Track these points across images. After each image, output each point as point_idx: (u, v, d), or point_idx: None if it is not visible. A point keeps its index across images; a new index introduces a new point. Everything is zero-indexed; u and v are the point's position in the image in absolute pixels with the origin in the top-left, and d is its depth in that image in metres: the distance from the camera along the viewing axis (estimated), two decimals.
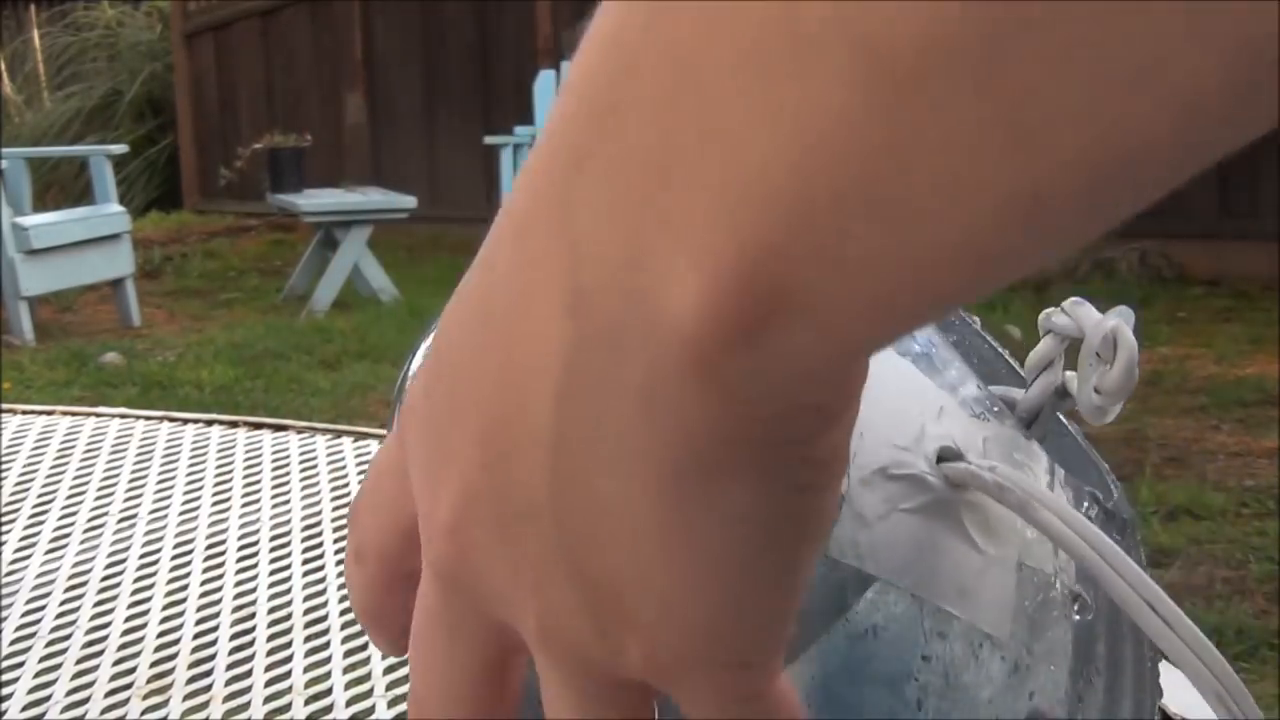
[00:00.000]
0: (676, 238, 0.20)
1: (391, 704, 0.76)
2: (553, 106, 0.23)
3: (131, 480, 1.12)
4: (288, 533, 1.00)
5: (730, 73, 0.19)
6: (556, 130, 0.22)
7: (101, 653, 0.82)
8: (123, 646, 0.83)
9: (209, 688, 0.78)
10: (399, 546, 0.28)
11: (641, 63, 0.20)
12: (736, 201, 0.19)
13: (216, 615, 0.87)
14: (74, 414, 1.29)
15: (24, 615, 0.88)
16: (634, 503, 0.22)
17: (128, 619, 0.87)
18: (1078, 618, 0.38)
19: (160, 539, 1.00)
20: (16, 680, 0.79)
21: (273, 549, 0.97)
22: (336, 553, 0.97)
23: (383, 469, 0.29)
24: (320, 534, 1.00)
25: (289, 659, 0.81)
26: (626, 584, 0.23)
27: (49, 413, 1.30)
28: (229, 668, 0.80)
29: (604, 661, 0.24)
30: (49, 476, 1.13)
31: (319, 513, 1.04)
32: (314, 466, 1.14)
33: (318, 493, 1.08)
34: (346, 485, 1.10)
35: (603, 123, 0.21)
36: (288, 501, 1.07)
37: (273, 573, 0.93)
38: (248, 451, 1.18)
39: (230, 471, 1.14)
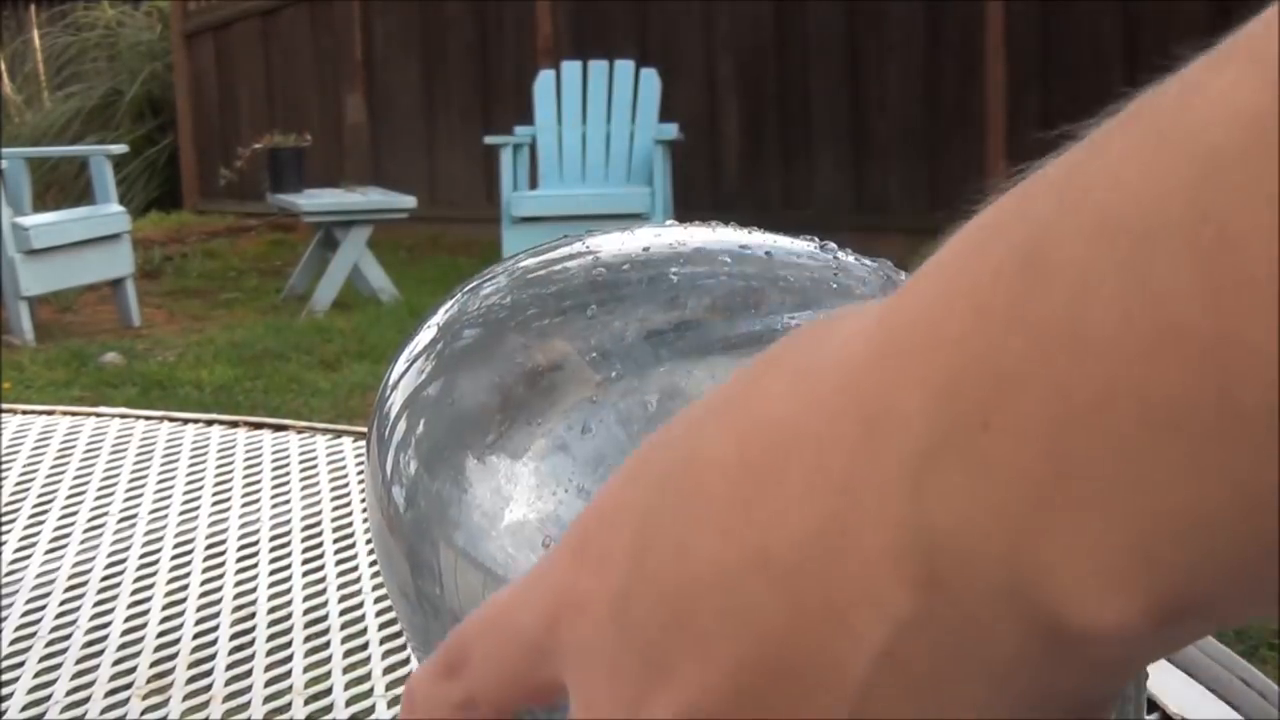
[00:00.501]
0: (1076, 555, 0.21)
1: (391, 704, 0.76)
2: (878, 372, 0.23)
3: (131, 480, 1.12)
4: (288, 533, 1.00)
5: (1136, 420, 0.20)
6: (898, 412, 0.22)
7: (101, 653, 0.83)
8: (123, 646, 0.83)
9: (209, 688, 0.78)
10: (518, 704, 0.28)
11: (1025, 389, 0.21)
12: (1156, 536, 0.20)
13: (216, 615, 0.87)
14: (74, 414, 1.29)
15: (24, 615, 0.88)
16: None
17: (128, 619, 0.87)
18: None
19: (160, 539, 1.00)
20: (16, 680, 0.79)
21: (273, 549, 0.97)
22: (336, 553, 0.97)
23: (508, 624, 0.28)
24: (320, 534, 1.00)
25: (289, 659, 0.81)
26: None
27: (49, 413, 1.30)
28: (229, 668, 0.80)
29: None
30: (49, 476, 1.13)
31: (319, 513, 1.04)
32: (314, 466, 1.14)
33: (318, 493, 1.08)
34: (346, 485, 1.10)
35: (969, 432, 0.21)
36: (288, 501, 1.07)
37: (273, 573, 0.93)
38: (248, 451, 1.18)
39: (230, 471, 1.14)
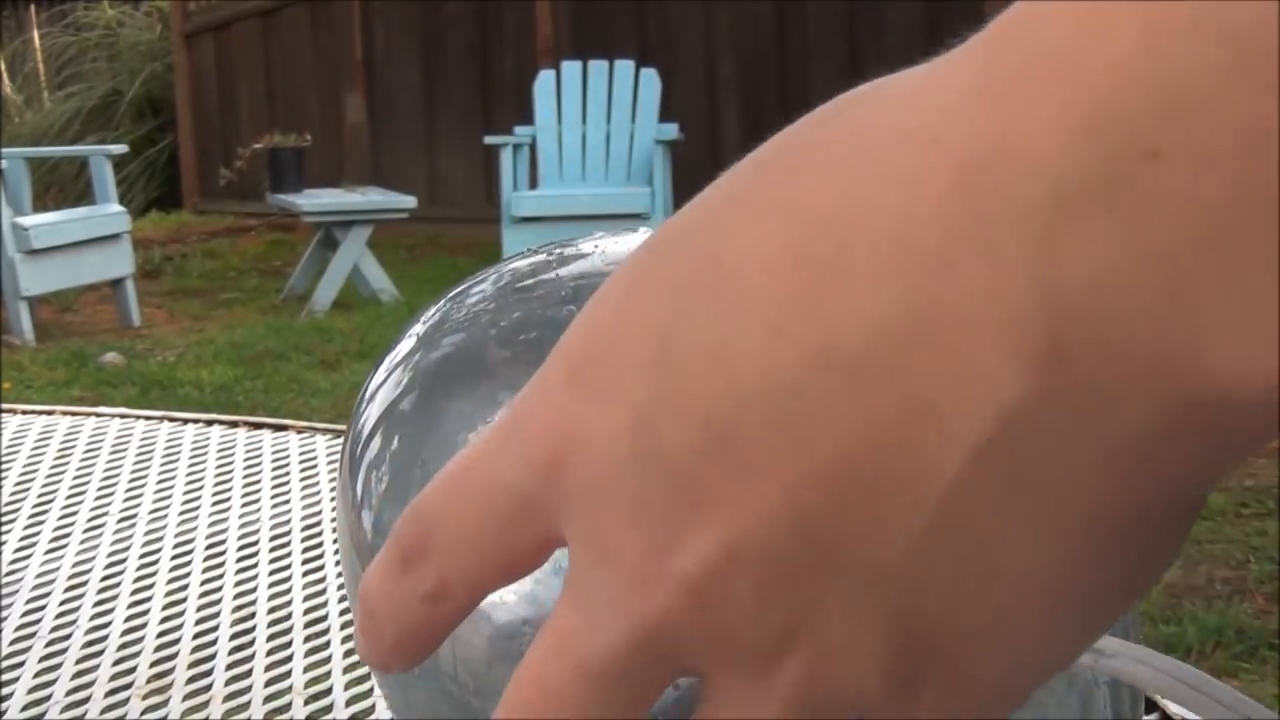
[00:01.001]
0: (1253, 301, 0.18)
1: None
2: (990, 116, 0.19)
3: (131, 480, 1.12)
4: (288, 533, 1.00)
5: None
6: (1023, 155, 0.19)
7: (101, 653, 0.82)
8: (123, 646, 0.83)
9: (209, 688, 0.78)
10: (497, 581, 0.24)
11: (1215, 105, 0.18)
12: None
13: (216, 615, 0.87)
14: (74, 414, 1.29)
15: (24, 615, 0.88)
16: (1043, 554, 0.20)
17: (128, 619, 0.87)
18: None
19: (160, 539, 1.00)
20: (16, 680, 0.79)
21: (273, 549, 0.97)
22: (336, 553, 0.97)
23: (484, 482, 0.23)
24: (320, 534, 1.00)
25: (289, 659, 0.81)
26: (967, 633, 0.21)
27: (49, 413, 1.29)
28: (229, 668, 0.80)
29: (871, 704, 0.22)
30: (49, 476, 1.13)
31: (319, 513, 1.04)
32: (314, 466, 1.14)
33: (318, 493, 1.08)
34: None
35: (1129, 164, 0.18)
36: (288, 501, 1.06)
37: (273, 573, 0.93)
38: (248, 451, 1.18)
39: (230, 471, 1.14)
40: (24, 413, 1.30)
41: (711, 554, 0.21)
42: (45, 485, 1.11)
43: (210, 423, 1.27)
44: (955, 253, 0.19)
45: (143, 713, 0.75)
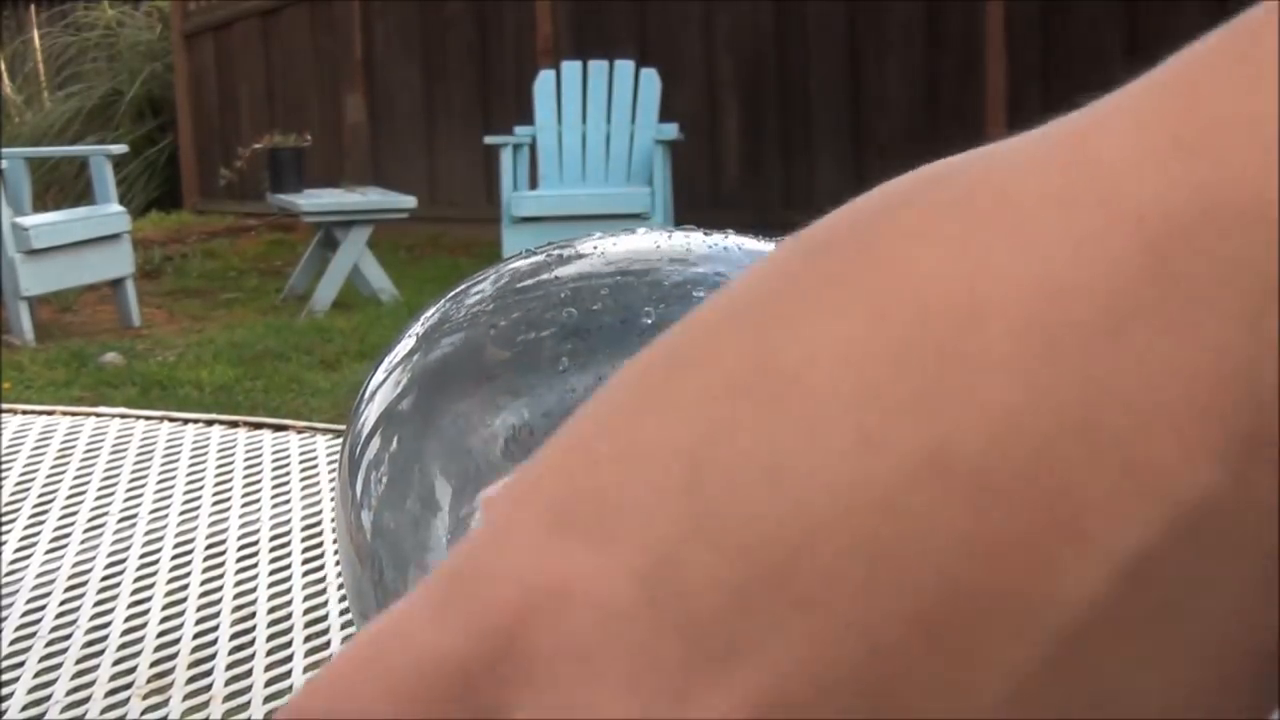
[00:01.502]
0: None
1: None
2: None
3: (131, 480, 1.12)
4: (288, 533, 1.00)
5: None
6: (1238, 199, 0.15)
7: (101, 653, 0.83)
8: (123, 646, 0.83)
9: (209, 688, 0.78)
10: None
11: None
12: None
13: (216, 615, 0.87)
14: (74, 414, 1.29)
15: (24, 615, 0.88)
16: (1161, 700, 0.16)
17: (128, 619, 0.87)
18: None
19: (160, 539, 1.00)
20: (16, 680, 0.79)
21: (273, 549, 0.97)
22: (336, 553, 0.97)
23: (399, 661, 0.17)
24: (320, 534, 1.00)
25: (289, 659, 0.81)
26: None
27: (49, 413, 1.30)
28: (229, 668, 0.80)
29: None
30: (49, 476, 1.13)
31: (319, 513, 1.04)
32: (314, 466, 1.14)
33: (318, 493, 1.08)
34: None
35: None
36: (288, 501, 1.06)
37: (273, 573, 0.93)
38: (248, 451, 1.18)
39: (230, 471, 1.14)
40: (24, 413, 1.30)
41: (730, 714, 0.16)
42: (45, 485, 1.11)
43: (210, 423, 1.27)
44: (1130, 327, 0.15)
45: (143, 713, 0.75)
